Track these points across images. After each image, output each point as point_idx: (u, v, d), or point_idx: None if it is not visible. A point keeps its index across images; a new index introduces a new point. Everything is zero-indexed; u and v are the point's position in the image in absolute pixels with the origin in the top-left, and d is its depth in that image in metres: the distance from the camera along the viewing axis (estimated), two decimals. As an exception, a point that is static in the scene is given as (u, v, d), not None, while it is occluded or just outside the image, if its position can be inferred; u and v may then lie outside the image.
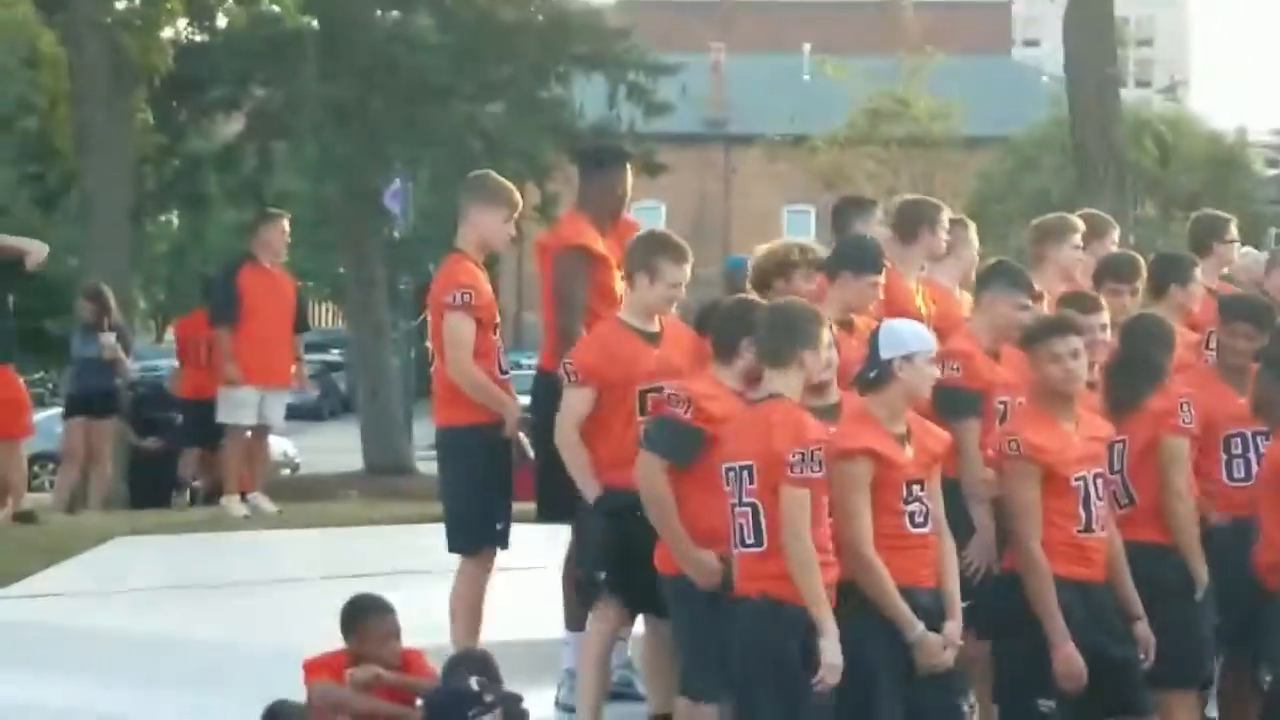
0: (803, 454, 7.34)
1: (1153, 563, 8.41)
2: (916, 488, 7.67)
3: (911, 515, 7.65)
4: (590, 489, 8.42)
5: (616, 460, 8.37)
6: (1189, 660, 8.50)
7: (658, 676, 8.67)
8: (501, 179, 9.41)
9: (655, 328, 8.57)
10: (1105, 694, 8.04)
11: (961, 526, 8.15)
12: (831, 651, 7.31)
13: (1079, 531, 8.07)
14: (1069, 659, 7.90)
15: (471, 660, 8.13)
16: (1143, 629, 8.25)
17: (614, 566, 8.38)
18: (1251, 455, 8.99)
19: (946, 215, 9.59)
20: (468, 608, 9.04)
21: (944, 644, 7.62)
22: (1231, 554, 8.64)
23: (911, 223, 9.52)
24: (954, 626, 7.70)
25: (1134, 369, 8.47)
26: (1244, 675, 9.00)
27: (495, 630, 9.37)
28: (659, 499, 7.85)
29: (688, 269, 8.60)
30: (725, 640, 7.60)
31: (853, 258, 8.71)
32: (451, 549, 9.13)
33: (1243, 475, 8.98)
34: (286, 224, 15.53)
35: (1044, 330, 8.22)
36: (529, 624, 9.89)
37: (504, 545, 9.14)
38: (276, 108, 28.11)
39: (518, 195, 9.30)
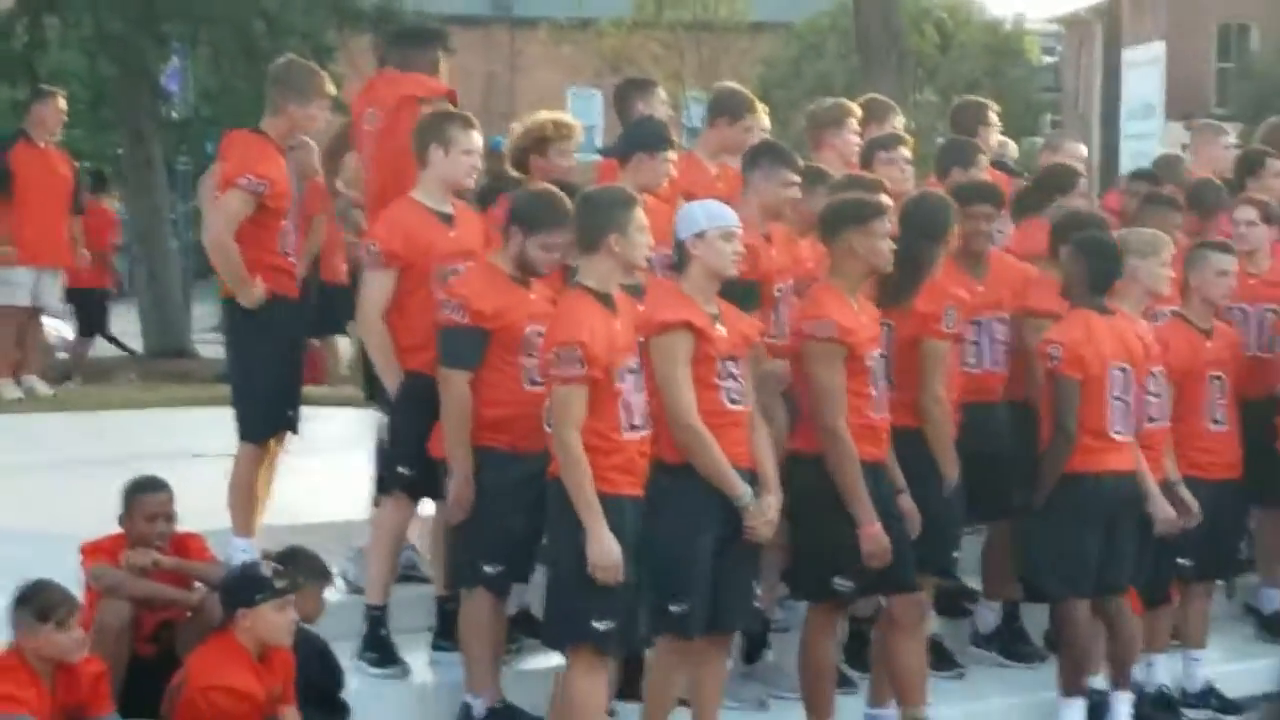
0: (558, 353, 7.37)
1: (908, 448, 8.54)
2: (731, 364, 7.77)
3: (729, 391, 7.76)
4: (392, 378, 8.39)
5: (415, 344, 8.38)
6: (933, 548, 8.66)
7: (441, 559, 8.71)
8: (310, 65, 9.25)
9: (449, 208, 8.53)
10: (884, 571, 8.21)
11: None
12: (597, 552, 7.36)
13: (871, 412, 8.20)
14: (876, 537, 8.05)
15: (287, 555, 8.06)
16: (906, 501, 8.42)
17: (414, 455, 8.39)
18: (984, 340, 9.15)
19: (755, 116, 9.60)
20: (245, 493, 8.98)
21: (765, 513, 7.75)
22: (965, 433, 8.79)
23: (715, 111, 9.58)
24: (773, 500, 7.82)
25: (902, 260, 8.47)
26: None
27: (303, 512, 9.35)
28: (461, 413, 7.84)
29: (478, 136, 8.57)
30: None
31: (644, 139, 8.73)
32: (242, 436, 9.02)
33: (974, 361, 9.13)
34: (62, 101, 15.21)
35: (867, 211, 8.24)
36: (336, 505, 9.89)
37: (294, 430, 9.08)
38: (49, -19, 27.46)
39: (330, 83, 9.16)
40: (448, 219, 8.51)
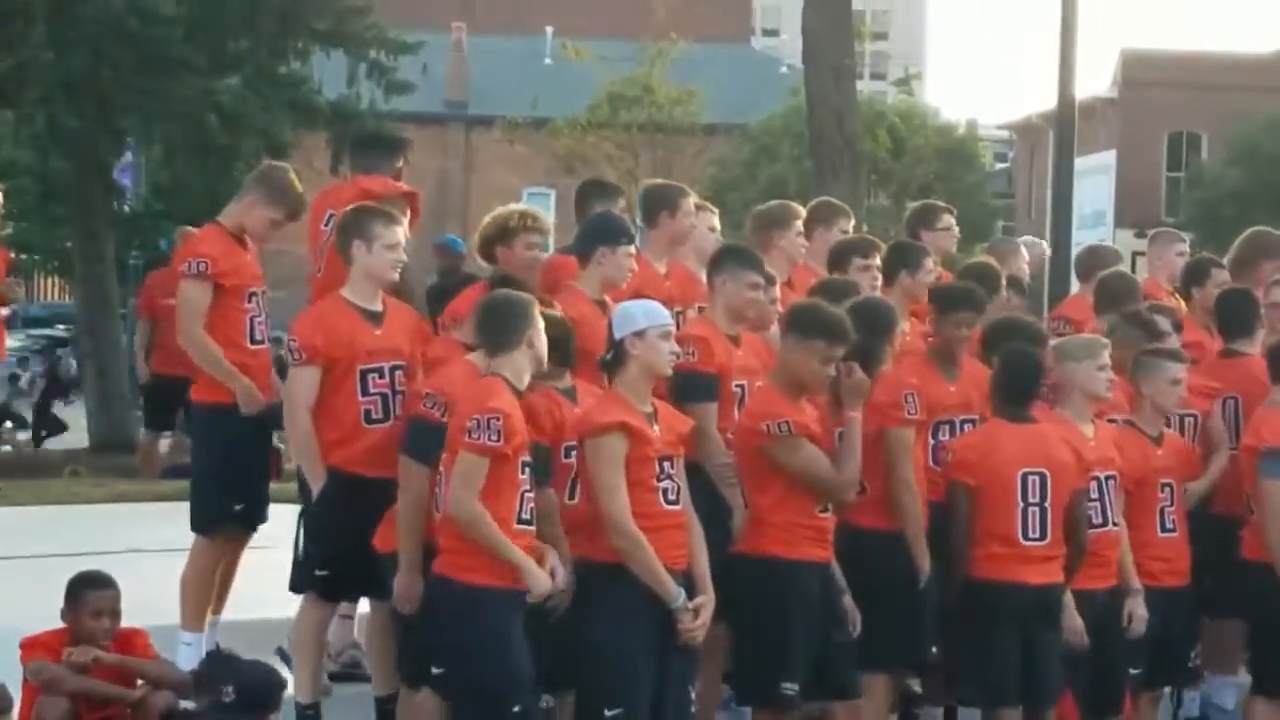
0: (478, 420, 7.35)
1: (880, 550, 8.56)
2: (668, 464, 7.75)
3: (665, 492, 7.73)
4: (316, 478, 8.34)
5: (336, 439, 8.36)
6: (909, 645, 8.66)
7: (381, 656, 8.66)
8: (287, 179, 9.26)
9: (378, 306, 8.52)
10: (826, 678, 8.18)
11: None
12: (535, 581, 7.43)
13: (820, 513, 8.19)
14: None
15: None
16: (847, 602, 8.39)
17: (335, 556, 8.35)
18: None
19: (690, 200, 9.66)
20: (197, 587, 8.92)
21: (697, 617, 7.71)
22: (937, 535, 8.77)
23: (654, 208, 9.58)
24: (706, 600, 7.78)
25: (853, 358, 8.47)
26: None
27: (248, 608, 9.28)
28: (417, 505, 7.79)
29: (400, 230, 8.58)
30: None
31: (606, 232, 8.74)
32: (193, 527, 9.03)
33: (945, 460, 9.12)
34: None
35: (804, 328, 8.24)
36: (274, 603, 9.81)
37: (248, 527, 9.02)
38: (1, 77, 27.43)
39: (299, 199, 9.19)
40: (374, 316, 8.50)
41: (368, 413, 8.43)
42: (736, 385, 8.80)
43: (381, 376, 8.47)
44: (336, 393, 8.36)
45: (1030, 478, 8.77)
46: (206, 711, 7.37)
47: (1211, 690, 10.56)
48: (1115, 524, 9.16)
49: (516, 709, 7.43)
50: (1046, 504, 8.76)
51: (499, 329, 7.67)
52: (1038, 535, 8.77)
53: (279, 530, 9.13)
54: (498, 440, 7.33)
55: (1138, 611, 9.19)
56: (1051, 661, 8.80)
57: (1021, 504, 8.75)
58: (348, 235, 8.50)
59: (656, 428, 7.76)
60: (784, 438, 8.08)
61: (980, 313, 9.36)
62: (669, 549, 7.69)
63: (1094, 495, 9.05)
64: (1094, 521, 9.04)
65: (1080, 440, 8.90)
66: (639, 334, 7.77)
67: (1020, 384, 8.90)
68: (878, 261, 9.92)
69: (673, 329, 7.91)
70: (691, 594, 7.76)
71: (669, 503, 7.74)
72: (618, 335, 7.81)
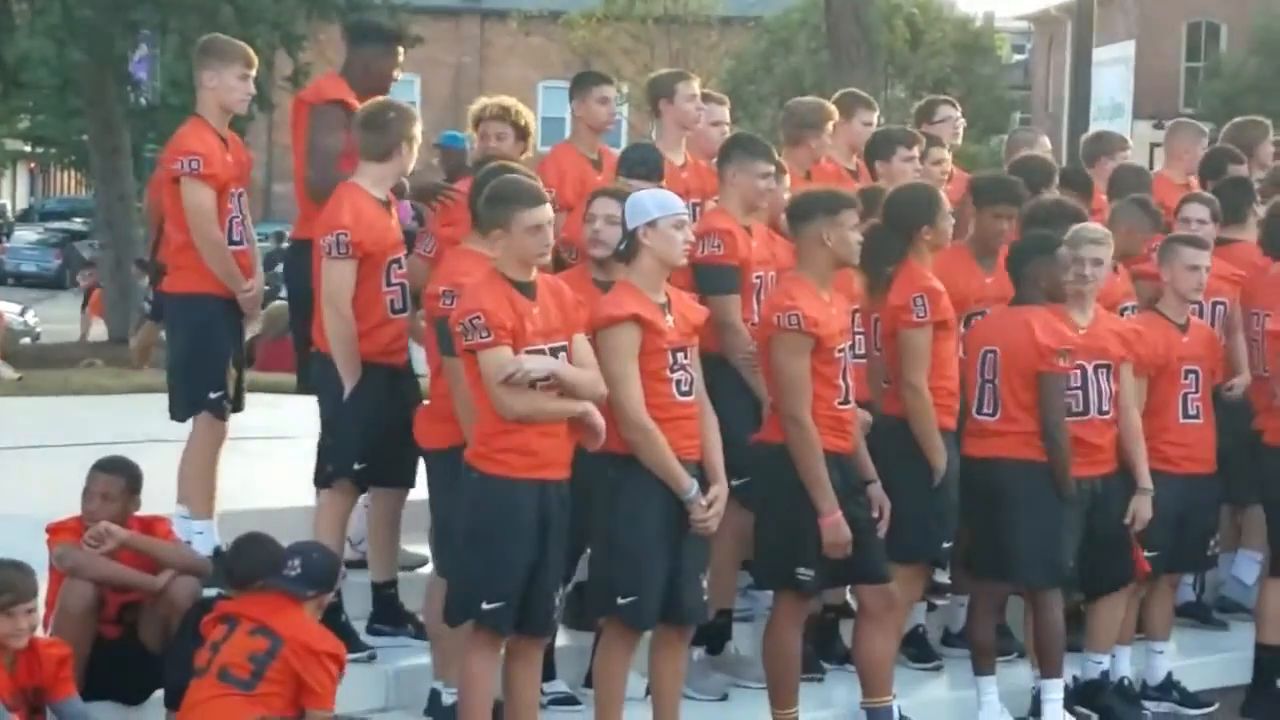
0: (463, 325, 7.36)
1: (900, 440, 8.61)
2: (680, 355, 7.75)
3: (678, 383, 7.74)
4: (353, 372, 8.39)
5: (366, 331, 8.43)
6: (921, 539, 8.72)
7: (381, 544, 8.80)
8: (231, 38, 9.24)
9: (387, 196, 8.57)
10: (850, 562, 8.23)
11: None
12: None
13: (839, 404, 8.22)
14: (836, 527, 8.07)
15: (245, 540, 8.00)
16: (875, 490, 8.44)
17: (372, 447, 8.42)
18: None
19: (690, 83, 9.67)
20: (199, 474, 8.97)
21: (711, 507, 7.76)
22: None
23: (653, 97, 9.69)
24: (719, 490, 7.82)
25: (869, 254, 8.50)
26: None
27: (246, 498, 9.37)
28: (469, 399, 7.70)
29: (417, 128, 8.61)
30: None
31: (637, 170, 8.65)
32: (171, 416, 9.07)
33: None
34: None
35: (836, 203, 8.26)
36: (280, 492, 9.90)
37: (222, 417, 9.02)
38: (18, -32, 27.39)
39: (251, 52, 9.09)
40: (388, 206, 8.59)
41: (391, 303, 8.49)
42: (755, 276, 8.84)
43: (400, 266, 8.54)
44: (364, 285, 8.40)
45: (987, 355, 8.88)
46: (274, 587, 7.42)
47: (1236, 561, 10.67)
48: (1104, 412, 9.17)
49: (485, 606, 7.45)
50: (996, 381, 8.87)
51: (482, 213, 7.66)
52: (989, 411, 8.88)
53: (256, 421, 9.17)
54: (488, 337, 7.33)
55: (1141, 511, 9.23)
56: (986, 534, 8.90)
57: (979, 380, 8.87)
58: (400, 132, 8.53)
59: (670, 318, 7.77)
60: (792, 332, 8.09)
61: (1019, 205, 9.36)
62: (682, 440, 7.73)
63: (1075, 384, 9.07)
64: (1074, 409, 9.07)
65: (1052, 327, 8.87)
66: (651, 224, 7.78)
67: (1011, 266, 9.00)
68: (917, 154, 9.98)
69: (686, 218, 7.89)
70: (705, 485, 7.81)
71: (682, 394, 7.76)
72: (630, 226, 7.81)
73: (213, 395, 8.94)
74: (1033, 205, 9.54)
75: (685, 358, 7.79)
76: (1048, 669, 9.05)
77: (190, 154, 8.73)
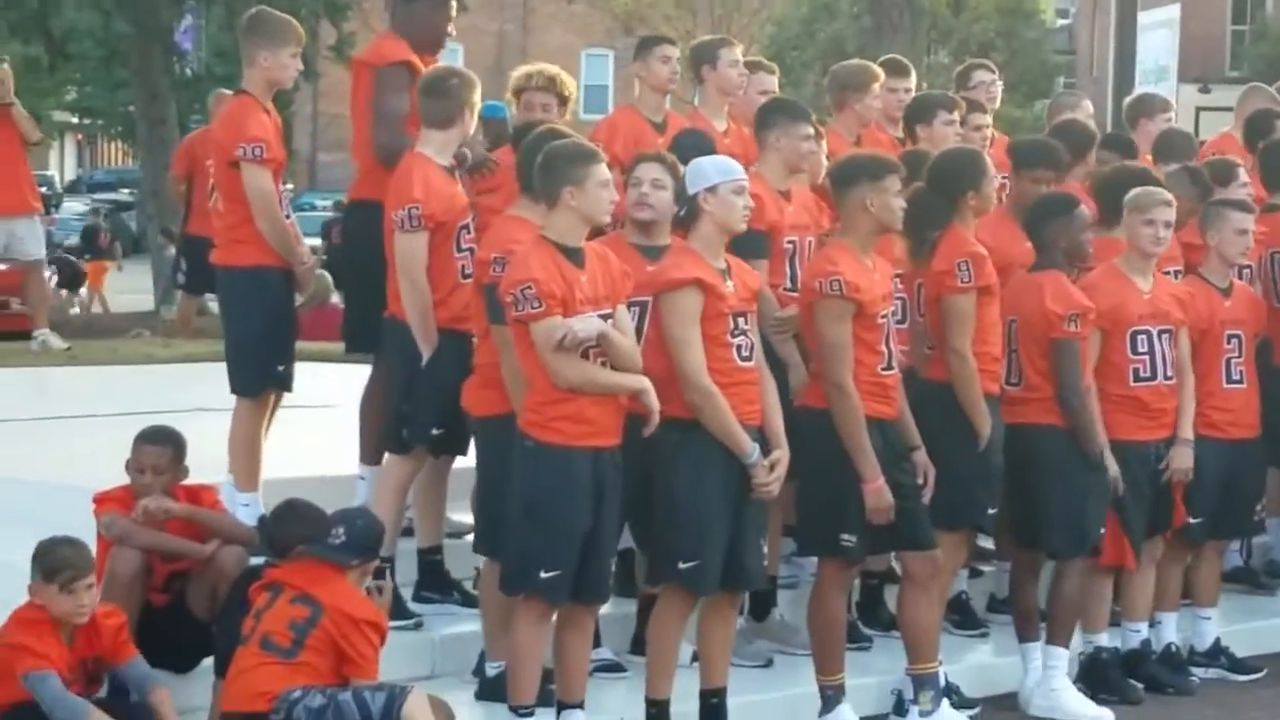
0: (513, 295, 7.38)
1: (944, 405, 8.60)
2: (741, 320, 7.78)
3: (739, 348, 7.77)
4: (431, 340, 8.43)
5: (440, 299, 8.51)
6: (966, 504, 8.72)
7: (427, 510, 8.86)
8: (281, 15, 9.26)
9: (450, 164, 8.59)
10: (895, 528, 8.24)
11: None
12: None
13: (881, 369, 8.22)
14: (879, 493, 8.08)
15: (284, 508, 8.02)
16: (920, 457, 8.44)
17: (446, 418, 8.47)
18: None
19: (733, 50, 9.74)
20: (246, 447, 9.02)
21: (773, 471, 7.79)
22: None
23: (695, 64, 9.76)
24: (782, 454, 7.84)
25: (913, 219, 8.51)
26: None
27: (290, 467, 9.41)
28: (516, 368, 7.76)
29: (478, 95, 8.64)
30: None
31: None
32: (233, 390, 9.09)
33: None
34: (7, 67, 15.06)
35: (880, 168, 8.25)
36: (323, 461, 9.95)
37: (287, 388, 9.12)
38: (63, -61, 27.49)
39: (301, 30, 9.16)
40: (452, 172, 8.62)
41: (463, 268, 8.54)
42: (788, 241, 8.85)
43: (469, 232, 8.58)
44: (436, 254, 8.46)
45: (1011, 324, 8.92)
46: (317, 554, 7.44)
47: None
48: (1168, 378, 9.18)
49: (543, 575, 7.49)
50: (1015, 348, 8.90)
51: (540, 184, 7.67)
52: (1015, 379, 8.92)
53: (297, 390, 9.26)
54: (540, 307, 7.35)
55: (1176, 462, 9.23)
56: (1018, 501, 8.95)
57: (1006, 349, 8.89)
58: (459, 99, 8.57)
59: (730, 284, 7.79)
60: (834, 298, 8.09)
61: (1058, 170, 9.35)
62: (744, 404, 7.75)
63: (1143, 349, 9.08)
64: (1142, 374, 9.11)
65: (1062, 292, 8.85)
66: (712, 189, 7.80)
67: (1030, 228, 9.02)
68: (958, 119, 9.98)
69: (746, 184, 7.91)
70: (766, 449, 7.82)
71: (743, 359, 7.78)
72: (691, 191, 7.84)
73: (280, 369, 9.02)
74: (1115, 170, 9.54)
75: (746, 323, 7.82)
76: (1056, 637, 9.05)
77: (254, 141, 8.77)
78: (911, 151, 9.49)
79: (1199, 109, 20.72)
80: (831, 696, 8.39)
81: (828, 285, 8.10)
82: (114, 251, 38.23)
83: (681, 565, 7.75)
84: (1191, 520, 9.43)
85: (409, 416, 8.60)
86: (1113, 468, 9.00)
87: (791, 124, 8.84)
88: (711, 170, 7.86)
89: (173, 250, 27.13)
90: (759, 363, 7.90)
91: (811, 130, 8.91)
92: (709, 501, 7.73)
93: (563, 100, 9.21)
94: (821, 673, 8.41)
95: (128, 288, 33.99)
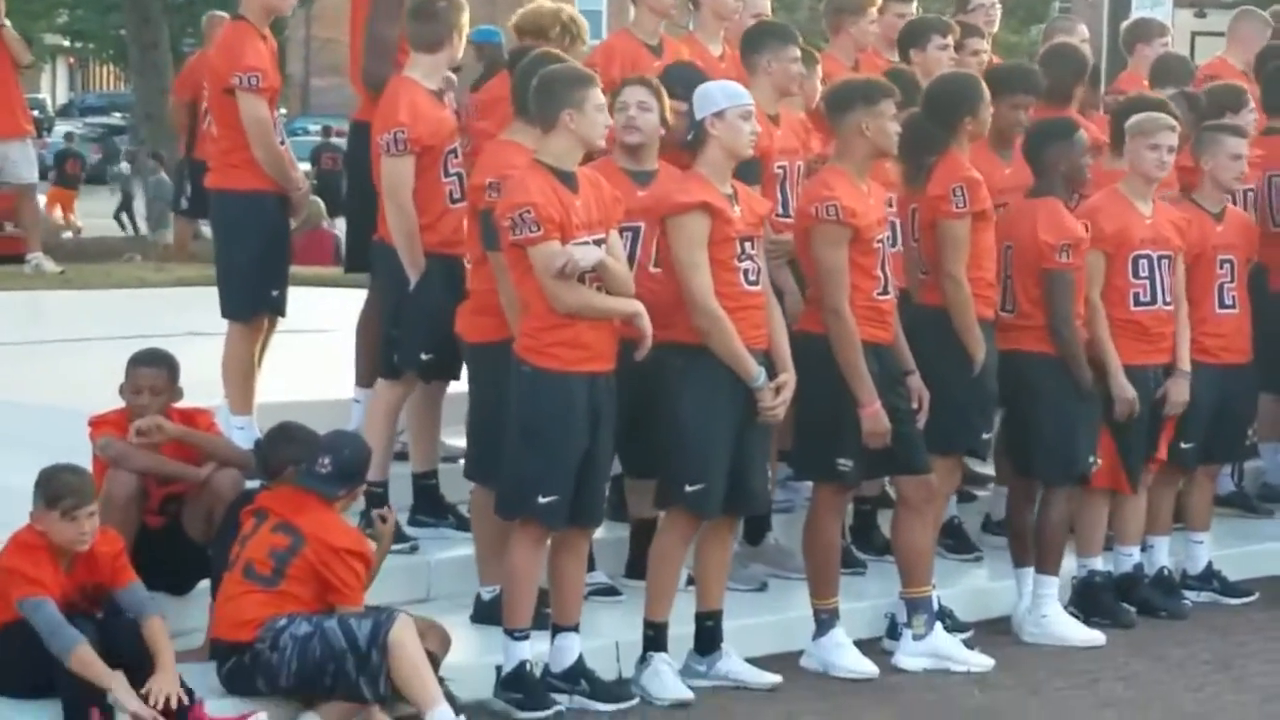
0: (511, 219, 7.36)
1: (938, 330, 8.61)
2: (748, 245, 7.79)
3: (746, 272, 7.78)
4: (418, 265, 8.41)
5: (429, 224, 8.49)
6: (960, 429, 8.73)
7: (420, 435, 8.88)
8: None
9: (439, 87, 8.55)
10: (890, 453, 8.26)
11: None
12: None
13: (877, 294, 8.22)
14: (876, 417, 8.09)
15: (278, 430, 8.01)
16: (915, 381, 8.45)
17: (436, 343, 8.47)
18: None
19: None
20: (240, 372, 9.03)
21: (779, 394, 7.81)
22: None
23: None
24: (788, 378, 7.86)
25: (908, 144, 8.49)
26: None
27: (286, 391, 9.42)
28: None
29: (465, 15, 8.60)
30: None
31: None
32: (224, 314, 9.09)
33: None
34: None
35: (875, 92, 8.23)
36: (319, 385, 9.95)
37: (281, 312, 9.12)
38: None
39: None
40: (440, 95, 8.58)
41: (450, 193, 8.52)
42: (778, 166, 8.84)
43: (456, 156, 8.57)
44: (424, 178, 8.43)
45: (1007, 250, 8.90)
46: (303, 484, 7.43)
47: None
48: (1167, 303, 9.19)
49: (540, 500, 7.51)
50: (1010, 274, 8.90)
51: (536, 108, 7.63)
52: (1010, 307, 8.93)
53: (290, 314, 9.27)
54: (538, 231, 7.34)
55: (1173, 394, 9.24)
56: (1011, 428, 9.04)
57: (1002, 275, 8.90)
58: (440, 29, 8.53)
59: (737, 208, 7.79)
60: (830, 223, 8.08)
61: (1035, 94, 9.30)
62: (750, 329, 7.77)
63: (1144, 273, 9.09)
64: (1142, 299, 9.14)
65: (1056, 221, 8.84)
66: (719, 114, 7.79)
67: (1028, 153, 9.01)
68: (953, 41, 9.92)
69: (753, 109, 7.90)
70: (772, 373, 7.84)
71: (750, 283, 7.80)
72: (698, 116, 7.83)
73: (274, 293, 9.02)
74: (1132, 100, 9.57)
75: (752, 247, 7.83)
76: (1045, 565, 9.07)
77: (250, 70, 8.76)
78: (896, 70, 9.44)
79: (1194, 34, 20.59)
80: (826, 620, 8.41)
81: (824, 210, 8.08)
82: (77, 180, 37.48)
83: (688, 488, 7.78)
84: (1183, 445, 9.44)
85: (398, 341, 8.60)
86: (1128, 389, 9.02)
87: (782, 46, 8.80)
88: (719, 95, 7.84)
89: (163, 175, 27.06)
90: (765, 287, 7.91)
91: (799, 52, 8.86)
92: (715, 425, 7.76)
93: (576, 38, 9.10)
94: (816, 597, 8.44)
95: (90, 212, 34.10)
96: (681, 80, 8.39)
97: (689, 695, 7.94)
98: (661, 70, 8.84)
